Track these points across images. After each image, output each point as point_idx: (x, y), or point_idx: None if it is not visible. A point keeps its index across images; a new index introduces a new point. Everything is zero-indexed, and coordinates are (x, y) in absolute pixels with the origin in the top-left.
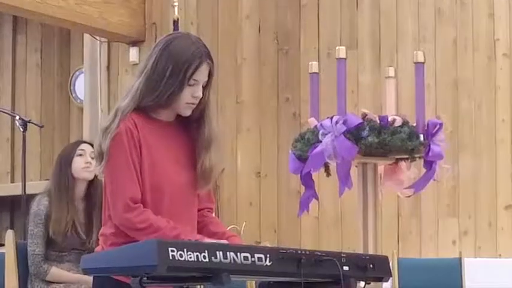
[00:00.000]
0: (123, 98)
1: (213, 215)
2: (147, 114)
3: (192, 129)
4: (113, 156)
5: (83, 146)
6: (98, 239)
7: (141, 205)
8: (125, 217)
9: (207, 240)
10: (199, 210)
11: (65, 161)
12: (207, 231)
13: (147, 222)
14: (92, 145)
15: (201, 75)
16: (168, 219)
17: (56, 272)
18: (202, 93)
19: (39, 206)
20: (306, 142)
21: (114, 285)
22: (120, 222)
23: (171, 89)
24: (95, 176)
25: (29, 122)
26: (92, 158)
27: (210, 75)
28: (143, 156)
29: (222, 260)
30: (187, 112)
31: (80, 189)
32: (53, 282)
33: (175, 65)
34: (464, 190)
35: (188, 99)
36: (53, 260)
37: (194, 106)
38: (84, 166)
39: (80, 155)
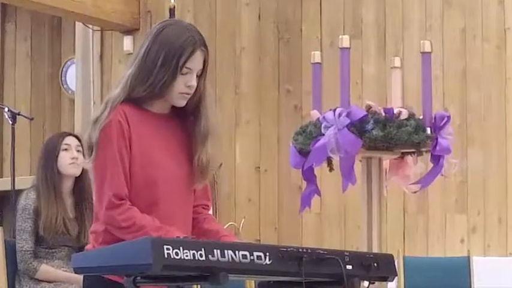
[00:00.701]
0: (114, 88)
1: (210, 212)
2: (139, 105)
3: (188, 121)
4: (100, 150)
5: (68, 139)
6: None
7: (127, 202)
8: (108, 214)
9: None
10: (194, 207)
11: (50, 156)
12: (200, 228)
13: (131, 220)
14: (77, 137)
15: (195, 63)
16: (153, 218)
17: (44, 269)
18: (197, 83)
19: (27, 201)
20: (308, 135)
21: (106, 285)
22: (103, 220)
23: (164, 78)
24: (83, 170)
25: (18, 115)
26: (78, 151)
27: (204, 63)
28: (133, 149)
29: (220, 258)
30: (181, 102)
31: (67, 184)
32: (42, 281)
33: (168, 52)
34: (473, 185)
35: (181, 88)
36: (42, 257)
37: (189, 96)
38: (71, 162)
39: (66, 149)
